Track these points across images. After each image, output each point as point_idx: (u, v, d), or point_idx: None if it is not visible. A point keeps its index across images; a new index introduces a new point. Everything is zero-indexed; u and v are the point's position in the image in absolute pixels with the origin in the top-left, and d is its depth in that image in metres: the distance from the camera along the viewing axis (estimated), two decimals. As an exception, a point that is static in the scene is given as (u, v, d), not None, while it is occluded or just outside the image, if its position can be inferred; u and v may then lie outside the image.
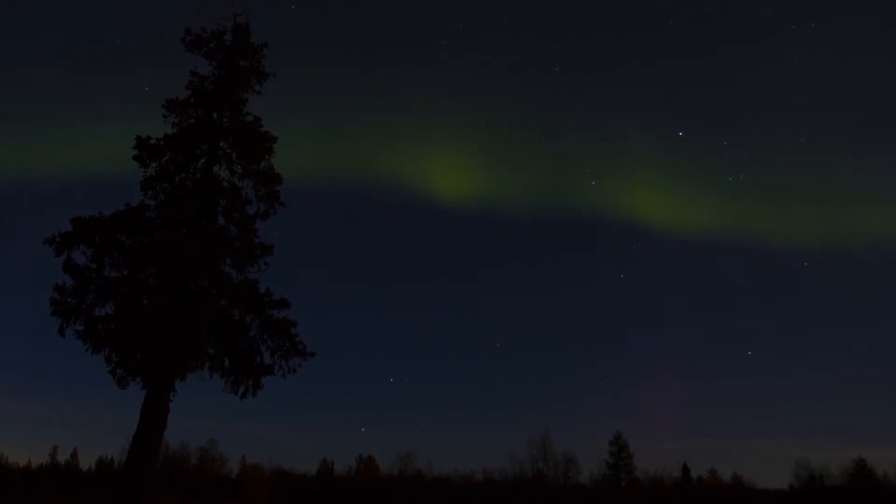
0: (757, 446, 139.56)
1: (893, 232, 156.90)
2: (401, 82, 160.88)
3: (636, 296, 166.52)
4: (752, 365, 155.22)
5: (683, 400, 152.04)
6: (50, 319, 25.75)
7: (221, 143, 29.32)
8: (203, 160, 29.05)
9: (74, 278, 26.30)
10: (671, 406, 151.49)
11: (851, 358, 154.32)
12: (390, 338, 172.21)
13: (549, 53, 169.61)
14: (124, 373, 26.08)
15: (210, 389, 27.63)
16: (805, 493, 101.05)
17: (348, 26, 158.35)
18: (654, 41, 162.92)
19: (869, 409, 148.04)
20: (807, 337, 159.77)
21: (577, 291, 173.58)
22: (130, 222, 27.31)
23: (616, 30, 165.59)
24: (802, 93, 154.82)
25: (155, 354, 25.86)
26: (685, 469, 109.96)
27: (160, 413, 25.90)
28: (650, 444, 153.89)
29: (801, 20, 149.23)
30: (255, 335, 28.11)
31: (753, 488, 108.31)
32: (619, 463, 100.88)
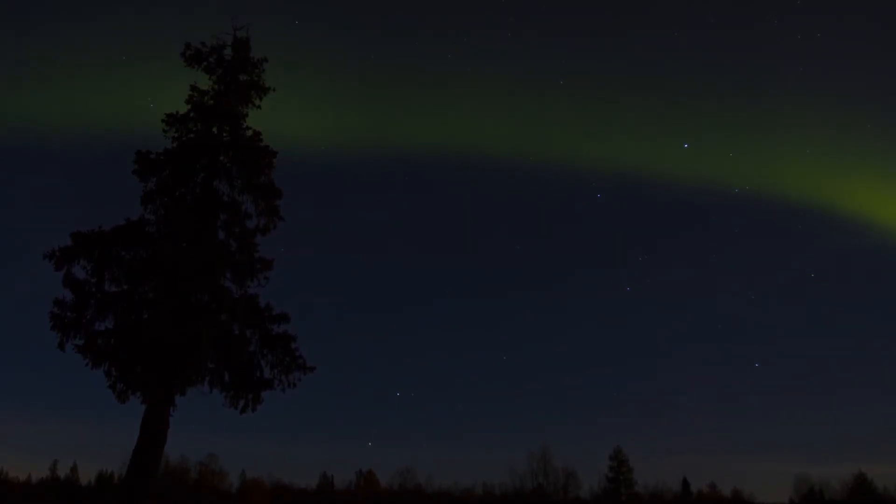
0: (757, 461, 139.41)
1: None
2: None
3: (640, 309, 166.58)
4: (752, 380, 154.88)
5: (684, 414, 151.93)
6: (49, 333, 25.78)
7: (221, 158, 29.35)
8: (203, 174, 29.06)
9: (74, 292, 26.28)
10: (671, 420, 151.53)
11: (852, 372, 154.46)
12: (396, 352, 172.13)
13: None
14: (124, 387, 26.03)
15: (210, 404, 27.63)
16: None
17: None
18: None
19: (869, 424, 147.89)
20: (807, 351, 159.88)
21: (581, 305, 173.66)
22: (130, 236, 27.32)
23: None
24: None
25: (155, 369, 25.85)
26: (685, 483, 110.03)
27: (160, 427, 25.84)
28: (650, 458, 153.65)
29: None
30: (255, 349, 28.07)
31: (753, 502, 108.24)
32: (620, 477, 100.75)
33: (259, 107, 30.97)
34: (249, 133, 30.17)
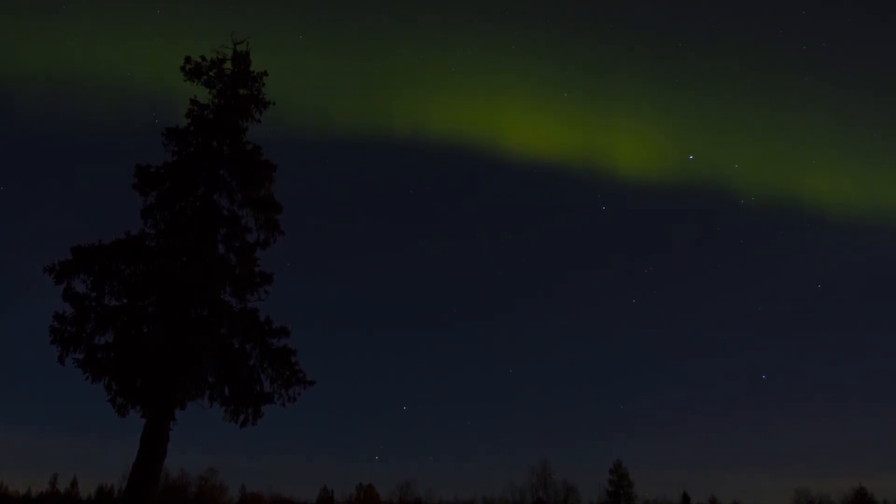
0: (758, 474, 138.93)
1: None
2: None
3: (645, 321, 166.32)
4: (757, 393, 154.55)
5: (685, 427, 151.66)
6: (50, 347, 25.74)
7: (221, 172, 29.45)
8: (203, 188, 29.15)
9: (74, 306, 26.26)
10: (673, 433, 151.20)
11: (854, 386, 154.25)
12: (402, 365, 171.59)
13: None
14: (124, 401, 25.95)
15: (210, 418, 27.62)
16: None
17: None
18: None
19: (871, 438, 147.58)
20: (810, 364, 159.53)
21: (586, 316, 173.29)
22: (130, 250, 27.32)
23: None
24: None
25: (155, 383, 25.81)
26: (685, 497, 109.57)
27: (160, 441, 25.80)
28: (650, 472, 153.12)
29: None
30: (255, 363, 28.03)
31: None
32: (620, 491, 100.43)
33: (259, 121, 31.05)
34: (250, 147, 30.27)
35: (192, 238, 27.80)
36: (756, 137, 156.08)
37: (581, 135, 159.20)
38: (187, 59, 30.84)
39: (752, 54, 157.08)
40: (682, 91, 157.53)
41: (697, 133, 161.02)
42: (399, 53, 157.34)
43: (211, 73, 30.93)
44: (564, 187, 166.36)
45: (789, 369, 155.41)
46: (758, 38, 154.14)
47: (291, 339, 28.71)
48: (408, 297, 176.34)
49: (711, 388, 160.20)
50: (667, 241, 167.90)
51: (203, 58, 30.95)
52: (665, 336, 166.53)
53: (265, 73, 31.43)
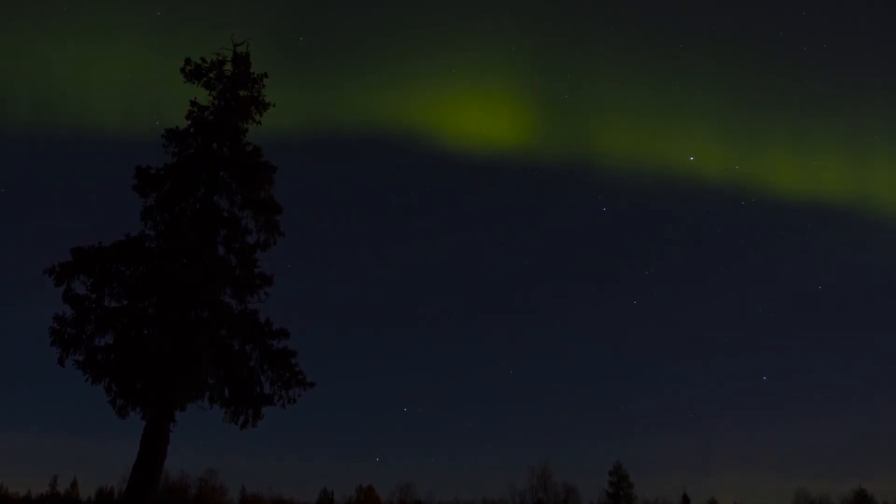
0: (757, 475, 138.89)
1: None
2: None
3: (646, 322, 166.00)
4: (758, 394, 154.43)
5: (685, 428, 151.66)
6: (50, 349, 25.75)
7: (221, 173, 29.45)
8: (203, 190, 29.15)
9: (74, 308, 26.26)
10: (673, 434, 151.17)
11: (854, 387, 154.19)
12: (403, 367, 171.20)
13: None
14: (124, 403, 25.97)
15: (210, 419, 27.62)
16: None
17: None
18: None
19: (871, 440, 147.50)
20: (810, 365, 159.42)
21: (586, 318, 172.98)
22: (130, 252, 27.33)
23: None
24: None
25: (155, 384, 25.82)
26: (685, 498, 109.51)
27: (160, 443, 25.81)
28: (650, 472, 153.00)
29: None
30: (255, 365, 28.06)
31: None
32: (620, 493, 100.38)
33: (259, 122, 31.07)
34: (249, 148, 30.28)
35: (192, 239, 27.82)
36: (756, 138, 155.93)
37: (581, 136, 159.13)
38: (187, 61, 30.86)
39: (753, 55, 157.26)
40: (682, 91, 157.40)
41: (698, 133, 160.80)
42: (399, 54, 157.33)
43: (211, 75, 30.96)
44: (565, 188, 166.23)
45: (789, 370, 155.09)
46: (758, 38, 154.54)
47: (291, 341, 28.82)
48: (407, 298, 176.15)
49: (711, 388, 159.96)
50: (667, 242, 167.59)
51: (203, 59, 30.98)
52: (665, 336, 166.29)
53: (265, 75, 31.50)
